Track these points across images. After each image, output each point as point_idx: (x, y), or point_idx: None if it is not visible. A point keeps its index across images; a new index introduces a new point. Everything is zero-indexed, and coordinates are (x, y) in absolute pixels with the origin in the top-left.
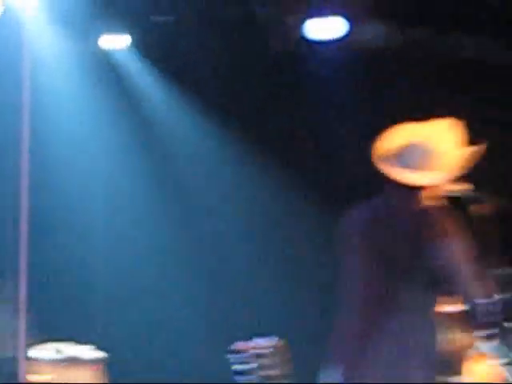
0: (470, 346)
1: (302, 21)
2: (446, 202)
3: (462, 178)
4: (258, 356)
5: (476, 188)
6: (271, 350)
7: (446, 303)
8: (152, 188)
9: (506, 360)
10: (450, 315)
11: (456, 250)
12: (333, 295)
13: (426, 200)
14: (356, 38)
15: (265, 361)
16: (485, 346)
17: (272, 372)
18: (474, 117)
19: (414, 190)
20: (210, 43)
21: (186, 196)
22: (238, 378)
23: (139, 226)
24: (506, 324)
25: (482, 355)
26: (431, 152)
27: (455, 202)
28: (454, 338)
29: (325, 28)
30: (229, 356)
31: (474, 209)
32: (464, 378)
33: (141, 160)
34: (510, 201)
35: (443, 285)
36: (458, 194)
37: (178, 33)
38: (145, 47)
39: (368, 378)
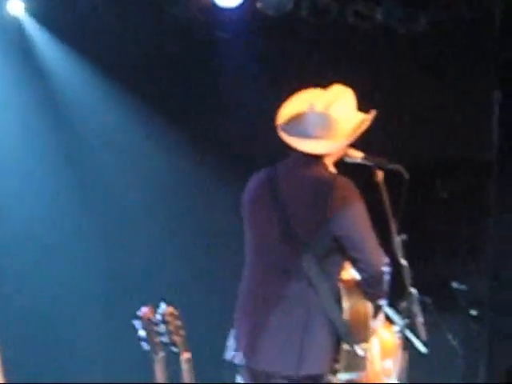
0: (375, 314)
1: None
2: (345, 170)
3: (360, 145)
4: (161, 322)
5: (373, 154)
6: (169, 316)
7: (349, 270)
8: (58, 169)
9: (407, 323)
10: (353, 282)
11: (357, 218)
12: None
13: (325, 168)
14: (262, 4)
15: (167, 326)
16: (390, 313)
17: (174, 337)
18: (370, 85)
19: (314, 157)
20: (113, 10)
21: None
22: (143, 344)
23: (48, 211)
24: (411, 290)
25: (387, 322)
26: (329, 120)
27: (355, 168)
28: (358, 305)
29: None
30: (134, 322)
31: (374, 174)
32: (370, 345)
33: (48, 139)
34: (408, 166)
35: (345, 252)
36: (358, 161)
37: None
38: (39, 14)
39: (256, 340)
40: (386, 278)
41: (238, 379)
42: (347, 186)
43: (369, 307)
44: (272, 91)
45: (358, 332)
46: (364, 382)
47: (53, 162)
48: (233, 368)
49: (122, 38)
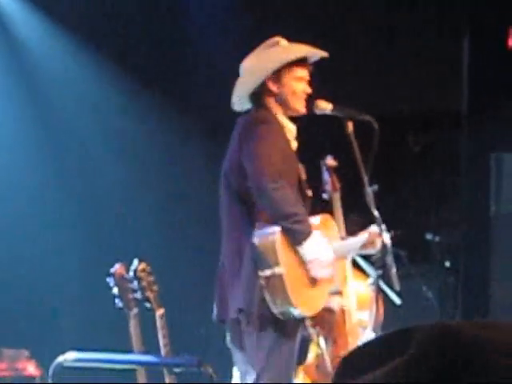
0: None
1: None
2: (314, 121)
3: (329, 97)
4: (134, 279)
5: (343, 106)
6: (141, 272)
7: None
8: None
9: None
10: None
11: (256, 139)
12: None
13: (264, 113)
14: None
15: (140, 283)
16: (363, 264)
17: (147, 293)
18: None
19: (254, 106)
20: None
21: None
22: (117, 301)
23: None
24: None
25: (362, 274)
26: (244, 67)
27: (325, 119)
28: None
29: None
30: (107, 280)
31: (344, 126)
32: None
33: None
34: (378, 118)
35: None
36: (327, 112)
37: None
38: None
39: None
40: (277, 196)
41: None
42: (258, 120)
43: (275, 231)
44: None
45: (265, 256)
46: (339, 333)
47: (28, 131)
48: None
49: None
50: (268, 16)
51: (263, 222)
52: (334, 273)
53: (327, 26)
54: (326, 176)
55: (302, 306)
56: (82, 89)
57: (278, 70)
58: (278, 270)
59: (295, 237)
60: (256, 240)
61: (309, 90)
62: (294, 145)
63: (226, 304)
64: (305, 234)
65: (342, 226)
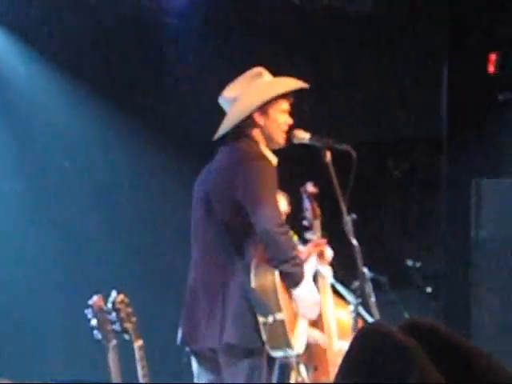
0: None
1: None
2: (293, 151)
3: (307, 126)
4: (112, 310)
5: (321, 135)
6: (120, 303)
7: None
8: None
9: (359, 302)
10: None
11: (254, 177)
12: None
13: (250, 146)
14: None
15: (118, 314)
16: (344, 292)
17: (125, 325)
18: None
19: (237, 137)
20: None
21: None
22: (95, 333)
23: None
24: (363, 269)
25: (343, 302)
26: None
27: (303, 149)
28: (265, 274)
29: None
30: (85, 311)
31: (322, 155)
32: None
33: None
34: (357, 145)
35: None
36: (305, 141)
37: None
38: None
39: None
40: (282, 240)
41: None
42: (251, 156)
43: (275, 276)
44: (219, 76)
45: (266, 301)
46: (320, 360)
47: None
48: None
49: (68, 23)
50: (248, 43)
51: (257, 259)
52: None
53: (306, 54)
54: (306, 203)
55: (297, 346)
56: (61, 121)
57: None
58: (279, 316)
59: (293, 279)
60: (255, 283)
61: (290, 122)
62: None
63: (197, 331)
64: (301, 277)
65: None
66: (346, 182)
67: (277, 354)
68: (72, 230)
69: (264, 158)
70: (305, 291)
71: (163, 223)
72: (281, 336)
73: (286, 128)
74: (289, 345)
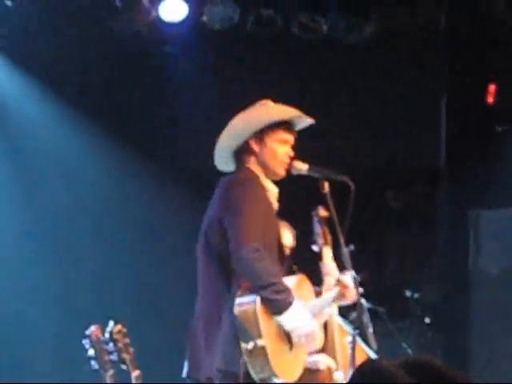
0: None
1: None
2: (291, 182)
3: (306, 157)
4: (110, 340)
5: (319, 166)
6: (117, 333)
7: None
8: None
9: (357, 333)
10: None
11: (235, 203)
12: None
13: (245, 174)
14: (207, 18)
15: (116, 344)
16: (341, 323)
17: (123, 355)
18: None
19: (235, 169)
20: (59, 27)
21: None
22: (93, 364)
23: None
24: (361, 300)
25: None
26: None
27: (301, 180)
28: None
29: (176, 9)
30: (83, 342)
31: (320, 186)
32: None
33: None
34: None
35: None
36: (303, 172)
37: (19, 17)
38: None
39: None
40: (257, 266)
41: None
42: (239, 182)
43: (256, 303)
44: (220, 104)
45: (248, 328)
46: None
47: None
48: None
49: (67, 54)
50: (249, 72)
51: (243, 287)
52: (316, 340)
53: (305, 83)
54: (317, 227)
55: (283, 374)
56: (56, 141)
57: (261, 130)
58: (260, 342)
59: (275, 307)
60: (237, 310)
61: (291, 154)
62: (275, 206)
63: (198, 362)
64: (285, 305)
65: (335, 277)
66: (344, 212)
67: (260, 379)
68: (70, 260)
69: (253, 184)
70: (291, 320)
71: (165, 256)
72: (262, 362)
73: (285, 159)
74: (271, 371)
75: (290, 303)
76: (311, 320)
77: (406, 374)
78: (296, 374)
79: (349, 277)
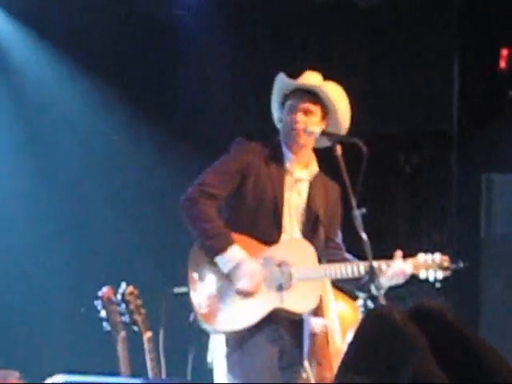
0: None
1: None
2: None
3: None
4: (122, 302)
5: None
6: (129, 295)
7: None
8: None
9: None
10: None
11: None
12: None
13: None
14: None
15: (128, 306)
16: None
17: (135, 317)
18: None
19: None
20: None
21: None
22: (104, 325)
23: None
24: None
25: (348, 297)
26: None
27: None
28: None
29: None
30: (95, 303)
31: (332, 149)
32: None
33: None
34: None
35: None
36: (317, 135)
37: None
38: None
39: None
40: (186, 213)
41: None
42: (234, 142)
43: (191, 250)
44: (234, 68)
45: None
46: (323, 355)
47: (15, 149)
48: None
49: (78, 14)
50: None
51: None
52: (254, 287)
53: (317, 47)
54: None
55: (216, 321)
56: (73, 115)
57: (285, 99)
58: (188, 289)
59: (208, 251)
60: None
61: (299, 121)
62: (298, 175)
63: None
64: (217, 249)
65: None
66: (356, 176)
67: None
68: (84, 222)
69: (249, 149)
70: (225, 263)
71: (179, 220)
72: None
73: (294, 126)
74: (199, 318)
75: (225, 247)
76: (251, 263)
77: (414, 323)
78: (241, 325)
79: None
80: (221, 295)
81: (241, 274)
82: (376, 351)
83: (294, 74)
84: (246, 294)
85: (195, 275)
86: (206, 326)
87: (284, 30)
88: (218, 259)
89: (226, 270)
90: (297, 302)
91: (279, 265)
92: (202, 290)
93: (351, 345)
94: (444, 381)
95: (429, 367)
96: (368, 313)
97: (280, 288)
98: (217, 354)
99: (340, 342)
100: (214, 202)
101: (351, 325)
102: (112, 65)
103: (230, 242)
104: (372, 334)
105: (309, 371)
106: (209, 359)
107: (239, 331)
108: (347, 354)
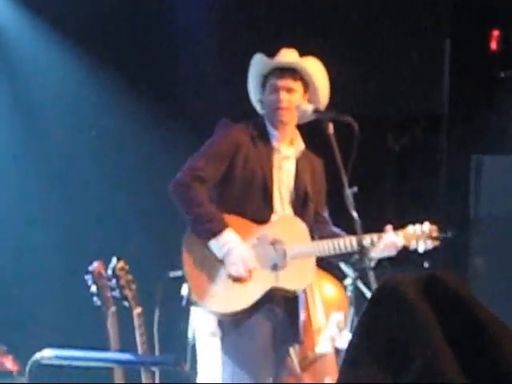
0: None
1: None
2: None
3: None
4: (112, 277)
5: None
6: (120, 270)
7: None
8: None
9: (358, 275)
10: None
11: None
12: None
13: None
14: None
15: (118, 281)
16: (342, 266)
17: (125, 292)
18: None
19: None
20: None
21: None
22: (95, 300)
23: None
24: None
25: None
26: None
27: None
28: None
29: None
30: (86, 277)
31: (324, 127)
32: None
33: None
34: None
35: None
36: (308, 113)
37: None
38: None
39: None
40: (177, 197)
41: None
42: (220, 124)
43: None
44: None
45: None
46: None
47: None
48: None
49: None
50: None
51: None
52: (246, 272)
53: (306, 27)
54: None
55: (212, 303)
56: (60, 83)
57: (265, 79)
58: (183, 270)
59: (202, 235)
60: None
61: (281, 100)
62: (285, 153)
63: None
64: (211, 233)
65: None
66: (346, 155)
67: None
68: (75, 196)
69: (235, 129)
70: (219, 247)
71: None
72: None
73: (279, 105)
74: (195, 299)
75: (218, 231)
76: (243, 245)
77: (422, 293)
78: (236, 307)
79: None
80: (217, 278)
81: (233, 259)
82: (386, 325)
83: (270, 53)
84: (237, 280)
85: (190, 259)
86: (203, 309)
87: (267, 9)
88: (212, 243)
89: (220, 254)
90: (293, 279)
91: (272, 243)
92: (197, 273)
93: (363, 317)
94: (453, 381)
95: (439, 366)
96: (382, 284)
97: (275, 267)
98: (200, 331)
99: (323, 321)
100: (205, 186)
101: (336, 305)
102: (106, 43)
103: (223, 226)
104: (383, 306)
105: (291, 349)
106: (189, 335)
107: (237, 312)
108: (360, 324)
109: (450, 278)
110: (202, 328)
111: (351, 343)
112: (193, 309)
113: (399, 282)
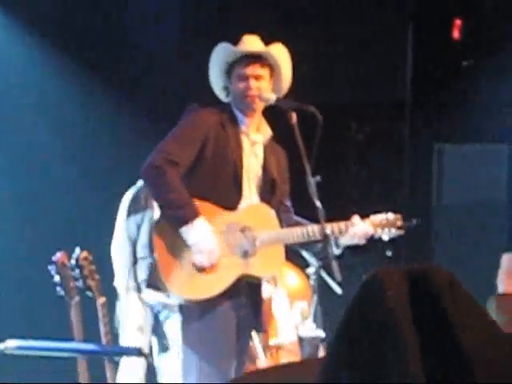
0: None
1: None
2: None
3: None
4: (76, 267)
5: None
6: (83, 260)
7: None
8: None
9: (321, 265)
10: None
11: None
12: None
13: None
14: None
15: (82, 271)
16: (305, 254)
17: (89, 282)
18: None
19: None
20: None
21: None
22: (58, 290)
23: None
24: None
25: (296, 266)
26: None
27: (269, 110)
28: None
29: None
30: (49, 267)
31: (287, 117)
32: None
33: None
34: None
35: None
36: (272, 102)
37: None
38: None
39: None
40: (150, 182)
41: None
42: (189, 110)
43: (155, 219)
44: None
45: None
46: (268, 321)
47: None
48: None
49: None
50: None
51: None
52: (210, 264)
53: (271, 16)
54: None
55: (182, 291)
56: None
57: (230, 67)
58: (154, 256)
59: (173, 222)
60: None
61: (249, 87)
62: (254, 138)
63: None
64: (183, 219)
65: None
66: (309, 144)
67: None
68: (38, 186)
69: (206, 113)
70: (190, 234)
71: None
72: (157, 276)
73: (244, 93)
74: (165, 287)
75: (190, 219)
76: (212, 237)
77: (407, 285)
78: (205, 294)
79: (357, 218)
80: (186, 264)
81: (200, 248)
82: (363, 320)
83: (233, 41)
84: (199, 269)
85: (161, 244)
86: (171, 295)
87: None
88: (184, 230)
89: (190, 241)
90: (262, 266)
91: (242, 230)
92: (167, 258)
93: (348, 309)
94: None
95: (414, 368)
96: (368, 277)
97: (245, 254)
98: (126, 325)
99: (287, 310)
100: (178, 171)
101: (299, 293)
102: (66, 32)
103: (195, 214)
104: (363, 299)
105: (254, 337)
106: (116, 324)
107: (205, 299)
108: (345, 316)
109: (442, 274)
110: (129, 322)
111: (333, 345)
112: (121, 300)
113: (384, 280)
